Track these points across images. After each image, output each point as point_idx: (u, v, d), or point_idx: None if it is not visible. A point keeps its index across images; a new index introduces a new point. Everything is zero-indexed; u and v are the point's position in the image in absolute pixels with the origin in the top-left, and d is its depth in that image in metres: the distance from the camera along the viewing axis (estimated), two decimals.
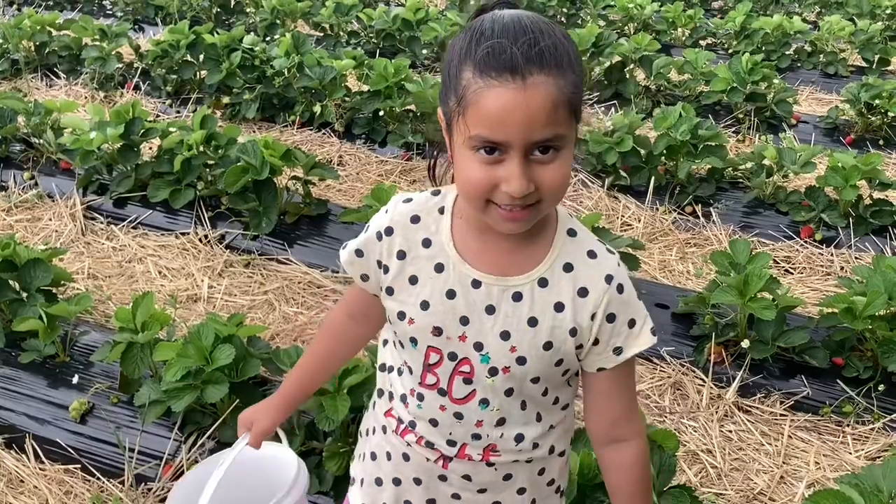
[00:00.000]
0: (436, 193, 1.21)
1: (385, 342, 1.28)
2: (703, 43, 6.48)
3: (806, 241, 3.54)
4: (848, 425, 2.54)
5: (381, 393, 1.30)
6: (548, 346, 1.13)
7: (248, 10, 6.84)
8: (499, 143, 1.01)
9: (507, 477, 1.23)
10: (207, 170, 3.62)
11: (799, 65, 5.98)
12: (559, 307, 1.13)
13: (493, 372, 1.15)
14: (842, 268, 3.39)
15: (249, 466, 1.48)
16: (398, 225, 1.18)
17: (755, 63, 4.70)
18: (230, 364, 2.17)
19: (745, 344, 2.65)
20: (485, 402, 1.17)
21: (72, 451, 2.30)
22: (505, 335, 1.13)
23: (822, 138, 4.69)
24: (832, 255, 3.46)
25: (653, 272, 3.35)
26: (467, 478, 1.23)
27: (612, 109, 5.04)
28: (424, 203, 1.19)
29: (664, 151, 3.83)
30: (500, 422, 1.18)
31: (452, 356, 1.16)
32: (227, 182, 3.27)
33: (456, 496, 1.24)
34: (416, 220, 1.18)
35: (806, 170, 3.69)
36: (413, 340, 1.17)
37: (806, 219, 3.59)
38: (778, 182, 3.79)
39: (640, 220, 3.72)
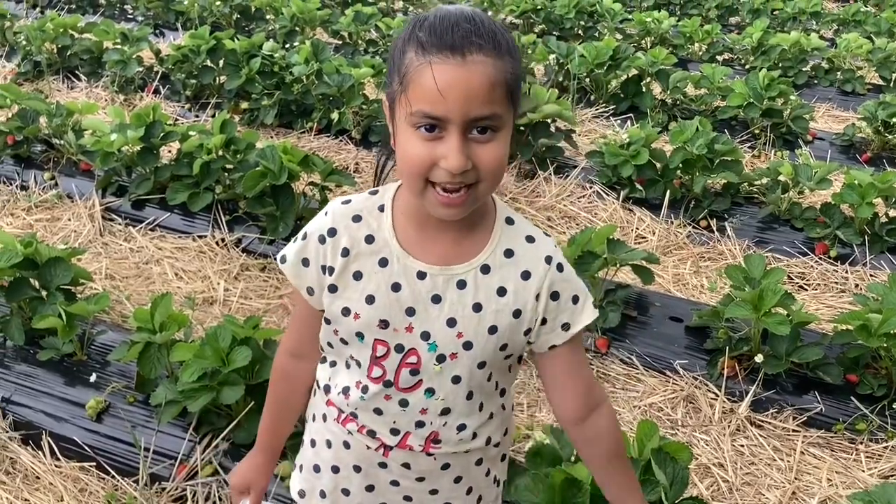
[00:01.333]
0: (373, 193, 1.24)
1: (333, 343, 1.28)
2: (719, 58, 6.49)
3: (821, 258, 3.53)
4: (861, 443, 2.53)
5: (319, 384, 1.33)
6: (493, 329, 1.18)
7: (267, 17, 6.90)
8: (438, 119, 1.05)
9: (446, 466, 1.27)
10: (226, 174, 3.66)
11: (816, 82, 5.97)
12: (502, 292, 1.18)
13: (440, 359, 1.19)
14: (857, 285, 3.38)
15: None
16: (340, 225, 1.21)
17: (772, 79, 4.71)
18: (246, 366, 2.18)
19: (759, 359, 2.65)
20: (430, 391, 1.22)
21: (87, 449, 2.32)
22: (451, 322, 1.18)
23: (838, 155, 4.69)
24: (847, 272, 3.45)
25: (667, 285, 3.35)
26: (406, 466, 1.26)
27: (629, 122, 5.05)
28: (364, 202, 1.23)
29: (680, 165, 3.84)
30: (445, 411, 1.23)
31: (399, 348, 1.19)
32: (245, 186, 3.30)
33: (395, 483, 1.29)
34: (357, 218, 1.21)
35: (821, 186, 3.69)
36: (359, 335, 1.20)
37: (821, 235, 3.59)
38: (793, 198, 3.78)
39: (654, 233, 3.73)
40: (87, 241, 3.55)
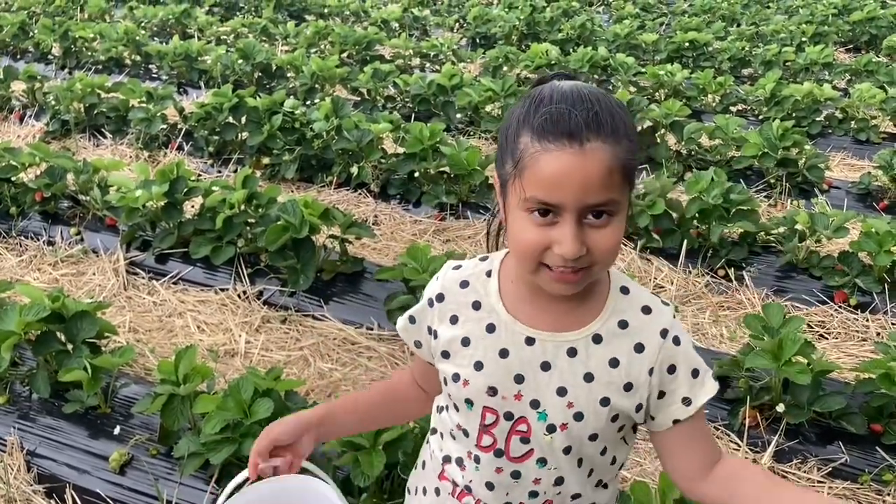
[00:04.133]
0: (483, 259, 1.25)
1: (439, 408, 1.29)
2: (733, 109, 6.55)
3: (840, 306, 3.52)
4: (888, 494, 2.49)
5: (433, 456, 1.30)
6: (605, 401, 1.14)
7: (288, 74, 7.07)
8: (553, 206, 1.03)
9: None
10: (248, 228, 3.72)
11: (830, 131, 6.01)
12: (614, 363, 1.14)
13: (550, 429, 1.15)
14: (878, 333, 3.36)
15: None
16: (448, 291, 1.22)
17: (786, 129, 4.75)
18: (268, 417, 2.20)
19: (781, 408, 2.63)
20: (542, 461, 1.17)
21: (111, 502, 2.34)
22: (561, 391, 1.14)
23: (854, 204, 4.70)
24: (867, 320, 3.44)
25: None
26: None
27: (644, 173, 5.10)
28: (472, 269, 1.23)
29: (696, 215, 3.86)
30: (559, 481, 1.18)
31: (508, 416, 1.17)
32: (267, 240, 3.36)
33: None
34: (464, 284, 1.22)
35: (839, 235, 3.69)
36: (468, 402, 1.18)
37: (840, 283, 3.58)
38: (811, 247, 3.79)
39: (672, 283, 3.74)
40: (112, 295, 3.61)
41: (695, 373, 1.16)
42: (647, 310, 1.16)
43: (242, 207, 3.68)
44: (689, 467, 1.20)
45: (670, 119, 5.18)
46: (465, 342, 1.19)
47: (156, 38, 8.95)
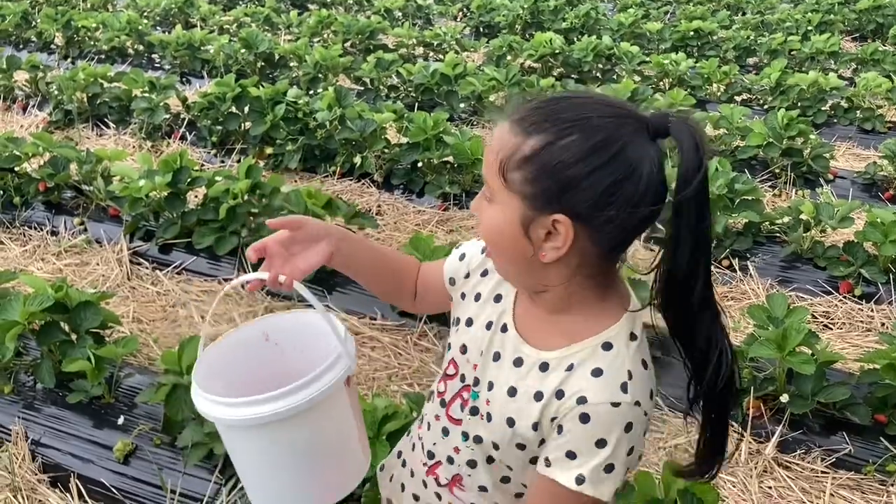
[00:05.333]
0: None
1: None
2: (738, 98, 6.52)
3: (845, 297, 3.51)
4: (892, 485, 2.49)
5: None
6: (510, 422, 1.12)
7: (291, 64, 7.04)
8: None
9: None
10: (251, 218, 3.72)
11: (835, 121, 5.98)
12: (538, 396, 1.09)
13: (474, 411, 1.19)
14: (882, 324, 3.35)
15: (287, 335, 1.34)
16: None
17: (791, 119, 4.73)
18: None
19: (785, 398, 2.63)
20: (465, 436, 1.21)
21: (115, 492, 2.34)
22: (491, 385, 1.16)
23: (859, 193, 4.68)
24: (872, 310, 3.43)
25: None
26: (438, 497, 1.27)
27: None
28: None
29: None
30: (472, 463, 1.20)
31: (462, 378, 1.22)
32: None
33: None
34: None
35: (844, 225, 3.68)
36: (449, 346, 1.26)
37: (844, 274, 3.57)
38: (815, 237, 3.78)
39: None
40: (115, 285, 3.61)
41: (570, 454, 1.05)
42: (597, 372, 1.06)
43: (246, 198, 3.68)
44: None
45: (675, 108, 5.15)
46: (477, 297, 1.24)
47: (158, 28, 8.93)
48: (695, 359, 1.09)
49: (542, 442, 1.10)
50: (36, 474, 2.43)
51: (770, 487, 2.49)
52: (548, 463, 1.08)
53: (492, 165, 1.05)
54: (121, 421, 2.53)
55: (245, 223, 3.70)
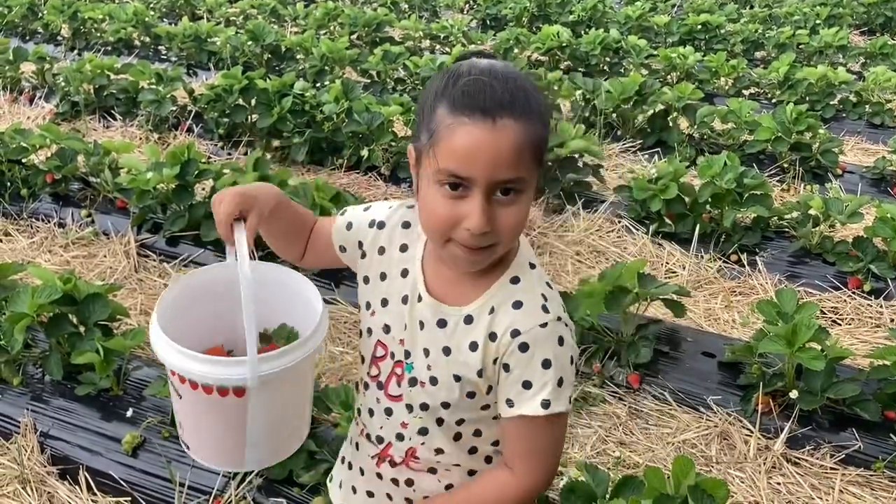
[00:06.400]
0: None
1: (360, 333, 1.36)
2: (746, 92, 6.49)
3: (854, 292, 3.50)
4: None
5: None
6: (457, 378, 1.19)
7: (298, 56, 7.03)
8: (464, 179, 1.06)
9: (432, 471, 1.28)
10: None
11: (844, 115, 5.95)
12: (473, 346, 1.18)
13: (412, 382, 1.23)
14: (892, 320, 3.34)
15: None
16: (390, 223, 1.28)
17: (800, 113, 4.70)
18: None
19: (794, 394, 2.62)
20: (409, 408, 1.25)
21: (123, 484, 2.35)
22: (426, 352, 1.21)
23: (868, 188, 4.66)
24: (881, 306, 3.41)
25: (698, 320, 3.33)
26: (395, 481, 1.30)
27: (656, 157, 5.07)
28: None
29: (709, 199, 3.83)
30: (423, 431, 1.25)
31: (393, 355, 1.25)
32: None
33: (389, 496, 1.32)
34: (406, 226, 1.28)
35: (853, 220, 3.66)
36: (369, 331, 1.28)
37: (854, 269, 3.55)
38: (824, 232, 3.76)
39: (684, 268, 3.72)
40: (123, 278, 3.61)
41: (526, 384, 1.15)
42: (517, 304, 1.16)
43: None
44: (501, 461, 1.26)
45: (682, 102, 5.13)
46: (383, 277, 1.27)
47: (165, 20, 8.92)
48: None
49: (490, 389, 1.18)
50: (45, 466, 2.43)
51: (779, 484, 2.48)
52: (510, 403, 1.16)
53: (523, 160, 1.06)
54: (129, 413, 2.53)
55: None
